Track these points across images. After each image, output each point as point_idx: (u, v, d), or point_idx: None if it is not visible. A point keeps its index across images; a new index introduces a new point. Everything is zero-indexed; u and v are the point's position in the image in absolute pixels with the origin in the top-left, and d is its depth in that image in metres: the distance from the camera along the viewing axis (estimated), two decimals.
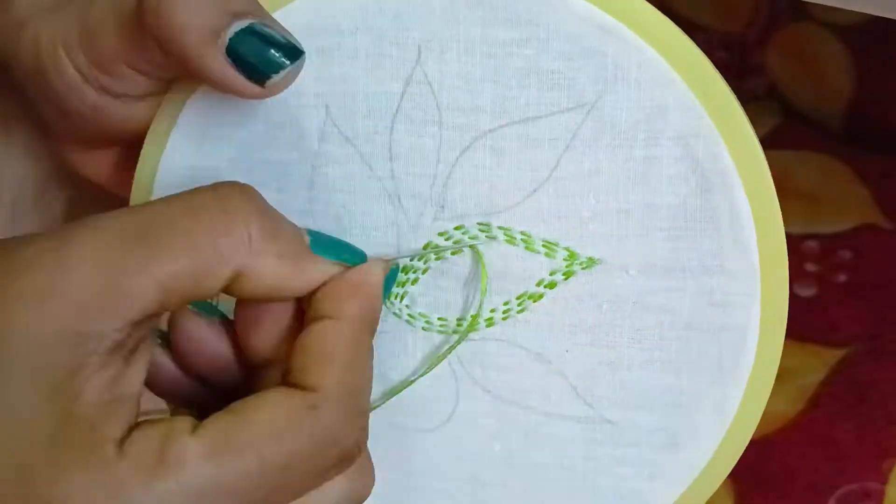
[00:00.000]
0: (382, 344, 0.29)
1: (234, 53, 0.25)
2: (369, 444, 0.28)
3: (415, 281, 0.28)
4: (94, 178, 0.32)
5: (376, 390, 0.29)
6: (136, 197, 0.29)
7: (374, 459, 0.29)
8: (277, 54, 0.25)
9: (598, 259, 0.27)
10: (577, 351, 0.27)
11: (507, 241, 0.27)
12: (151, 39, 0.25)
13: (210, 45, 0.25)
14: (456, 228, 0.27)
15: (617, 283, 0.27)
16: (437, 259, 0.28)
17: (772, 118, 0.56)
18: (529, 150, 0.26)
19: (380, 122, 0.27)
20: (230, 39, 0.25)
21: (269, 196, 0.28)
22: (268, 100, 0.27)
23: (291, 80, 0.26)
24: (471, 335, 0.28)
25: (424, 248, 0.28)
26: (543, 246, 0.27)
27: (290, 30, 0.27)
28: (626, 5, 0.25)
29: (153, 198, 0.29)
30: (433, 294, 0.28)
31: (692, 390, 0.27)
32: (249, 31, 0.25)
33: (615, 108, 0.26)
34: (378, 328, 0.28)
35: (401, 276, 0.28)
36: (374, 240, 0.28)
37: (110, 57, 0.26)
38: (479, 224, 0.27)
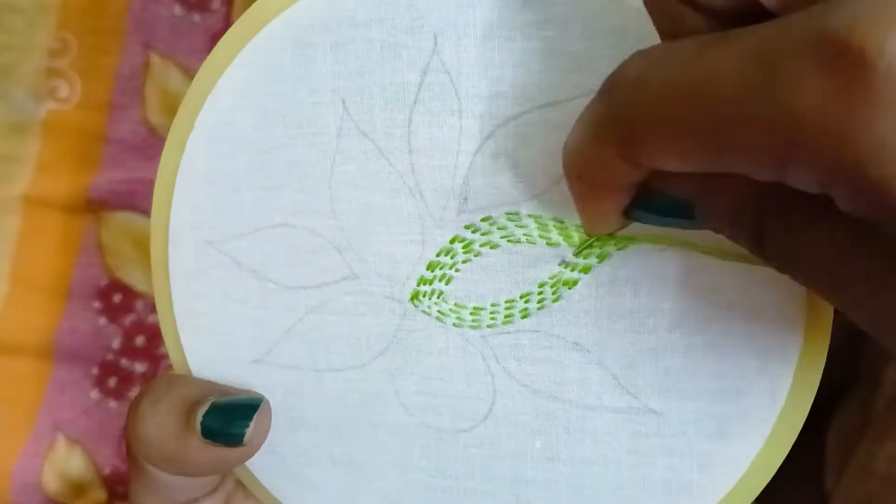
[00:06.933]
0: (414, 343, 0.28)
1: (208, 432, 0.27)
2: (404, 448, 0.28)
3: (443, 277, 0.27)
4: None
5: (410, 390, 0.28)
6: (157, 201, 0.29)
7: (409, 464, 0.28)
8: (239, 415, 0.27)
9: (632, 238, 0.26)
10: (615, 338, 0.26)
11: (538, 228, 0.26)
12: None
13: (188, 437, 0.27)
14: (483, 220, 0.27)
15: (654, 264, 0.26)
16: (465, 253, 0.27)
17: None
18: (554, 136, 0.25)
19: (398, 115, 0.26)
20: (201, 424, 0.27)
21: (291, 197, 0.28)
22: (284, 100, 0.27)
23: (266, 429, 0.28)
24: (505, 328, 0.27)
25: (451, 241, 0.27)
26: (576, 231, 0.26)
27: (304, 26, 0.26)
28: None
29: (173, 205, 0.28)
30: (464, 288, 0.27)
31: (739, 374, 0.26)
32: (213, 410, 0.27)
33: None
34: (408, 327, 0.28)
35: (427, 274, 0.27)
36: (398, 237, 0.27)
37: None
38: (507, 213, 0.26)
